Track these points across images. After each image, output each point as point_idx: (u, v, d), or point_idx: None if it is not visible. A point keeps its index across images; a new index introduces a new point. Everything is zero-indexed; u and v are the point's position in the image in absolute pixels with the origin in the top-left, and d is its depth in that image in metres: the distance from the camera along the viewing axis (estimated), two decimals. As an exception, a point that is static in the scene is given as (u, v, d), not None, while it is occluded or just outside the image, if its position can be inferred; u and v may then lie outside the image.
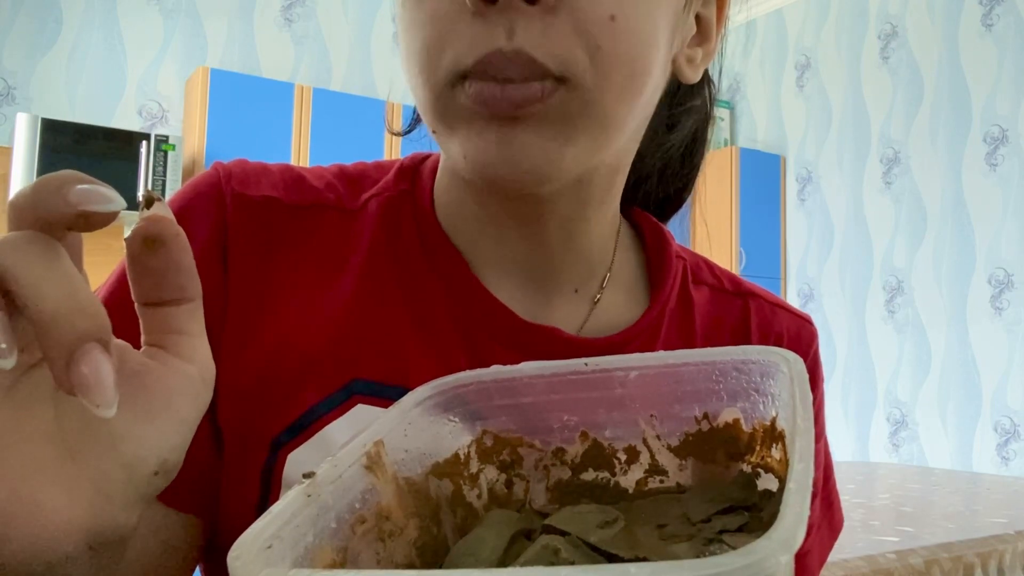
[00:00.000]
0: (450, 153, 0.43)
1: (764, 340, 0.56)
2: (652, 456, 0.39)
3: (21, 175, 3.08)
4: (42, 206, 0.26)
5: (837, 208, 4.25)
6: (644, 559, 0.30)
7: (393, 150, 3.71)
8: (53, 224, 0.26)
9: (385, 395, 0.46)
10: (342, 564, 0.30)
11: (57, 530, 0.26)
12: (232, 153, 3.31)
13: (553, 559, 0.30)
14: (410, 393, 0.39)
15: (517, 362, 0.40)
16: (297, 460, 0.45)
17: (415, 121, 0.57)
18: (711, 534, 0.32)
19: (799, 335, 0.58)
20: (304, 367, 0.46)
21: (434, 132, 0.44)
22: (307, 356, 0.47)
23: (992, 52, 3.68)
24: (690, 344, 0.54)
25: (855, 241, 4.16)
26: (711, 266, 0.60)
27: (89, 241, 0.32)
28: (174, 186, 3.32)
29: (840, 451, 4.11)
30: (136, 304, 0.30)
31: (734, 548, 0.30)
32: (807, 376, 0.33)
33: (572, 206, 0.49)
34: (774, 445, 0.34)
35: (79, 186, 0.26)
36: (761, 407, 0.36)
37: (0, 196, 3.24)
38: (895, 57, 4.05)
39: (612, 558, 0.31)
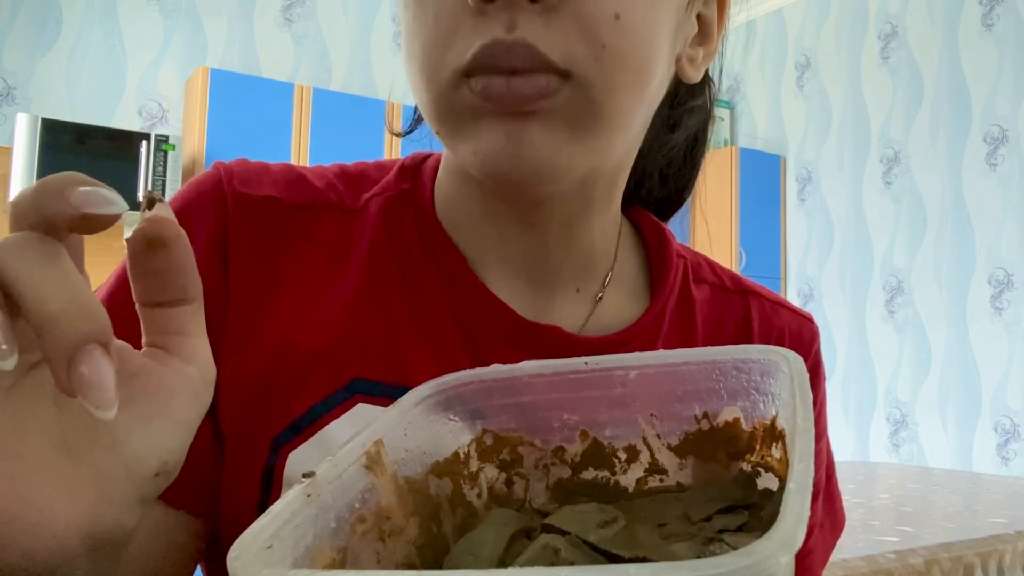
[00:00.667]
0: (458, 152, 0.43)
1: (765, 338, 0.56)
2: (652, 455, 0.39)
3: (21, 175, 3.08)
4: (44, 208, 0.26)
5: (837, 208, 4.25)
6: (644, 558, 0.30)
7: (393, 150, 3.71)
8: (55, 226, 0.26)
9: (386, 394, 0.46)
10: (342, 564, 0.30)
11: (58, 531, 0.26)
12: (232, 153, 3.31)
13: (553, 558, 0.30)
14: (410, 392, 0.39)
15: (518, 361, 0.40)
16: (298, 459, 0.45)
17: (415, 121, 0.57)
18: (711, 533, 0.32)
19: (800, 333, 0.58)
20: (305, 366, 0.46)
21: (438, 133, 0.44)
22: (308, 355, 0.47)
23: (992, 52, 3.68)
24: (691, 343, 0.54)
25: (855, 241, 4.16)
26: (712, 264, 0.60)
27: (90, 242, 0.32)
28: (174, 186, 3.32)
29: (840, 451, 4.11)
30: (137, 305, 0.30)
31: (734, 547, 0.30)
32: (807, 375, 0.33)
33: (575, 205, 0.49)
34: (774, 444, 0.34)
35: (81, 188, 0.26)
36: (761, 406, 0.36)
37: (0, 196, 3.24)
38: (895, 57, 4.05)
39: (612, 557, 0.31)
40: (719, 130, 4.71)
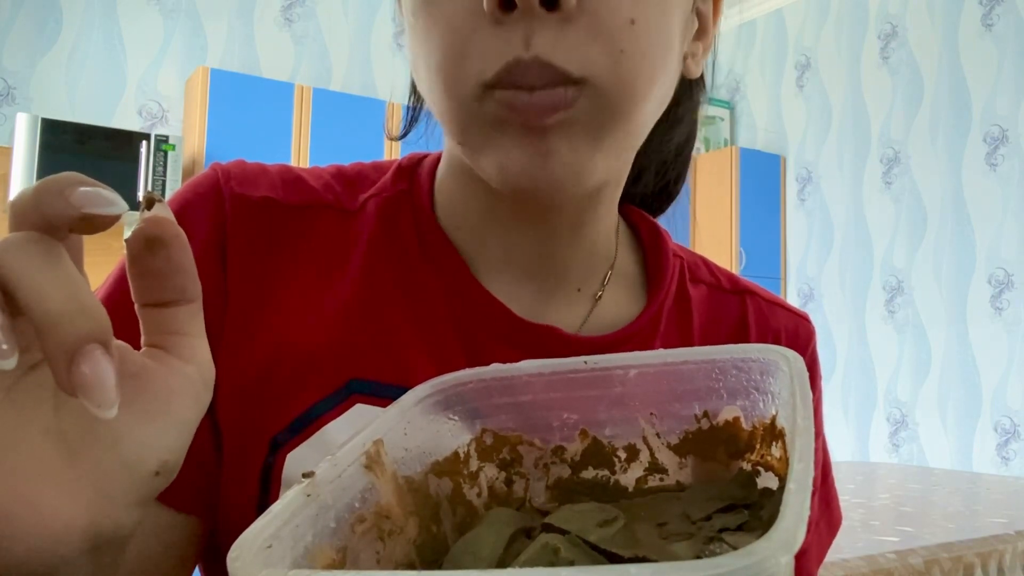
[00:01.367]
0: (481, 165, 0.44)
1: (762, 338, 0.57)
2: (652, 454, 0.39)
3: (21, 175, 3.08)
4: (44, 208, 0.26)
5: (837, 208, 4.25)
6: (644, 558, 0.30)
7: (393, 150, 3.71)
8: (55, 226, 0.26)
9: (384, 394, 0.46)
10: (341, 563, 0.30)
11: (58, 531, 0.26)
12: (232, 153, 3.31)
13: (553, 558, 0.30)
14: (410, 392, 0.39)
15: (516, 360, 0.40)
16: (296, 459, 0.45)
17: (410, 123, 0.57)
18: (711, 532, 0.32)
19: (797, 332, 0.58)
20: (303, 367, 0.46)
21: (461, 144, 0.44)
22: (306, 356, 0.47)
23: (992, 52, 3.68)
24: (688, 342, 0.54)
25: (855, 241, 4.16)
26: (709, 264, 0.60)
27: (89, 242, 0.31)
28: (174, 186, 3.32)
29: (840, 451, 4.11)
30: (136, 305, 0.30)
31: (734, 547, 0.30)
32: (807, 375, 0.33)
33: (583, 205, 0.49)
34: (774, 443, 0.34)
35: (82, 188, 0.26)
36: (761, 405, 0.36)
37: (0, 196, 3.24)
38: (895, 57, 4.05)
39: (612, 557, 0.31)
40: (719, 130, 4.72)
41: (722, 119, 4.74)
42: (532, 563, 0.30)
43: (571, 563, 0.30)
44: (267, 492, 0.46)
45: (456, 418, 0.39)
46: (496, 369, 0.40)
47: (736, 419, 0.37)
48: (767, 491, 0.34)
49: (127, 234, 0.30)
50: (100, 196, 0.26)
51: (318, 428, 0.46)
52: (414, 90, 0.56)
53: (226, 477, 0.47)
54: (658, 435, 0.38)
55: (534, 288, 0.52)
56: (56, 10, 3.44)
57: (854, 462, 2.58)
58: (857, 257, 4.14)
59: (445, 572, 0.28)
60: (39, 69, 3.40)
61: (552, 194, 0.43)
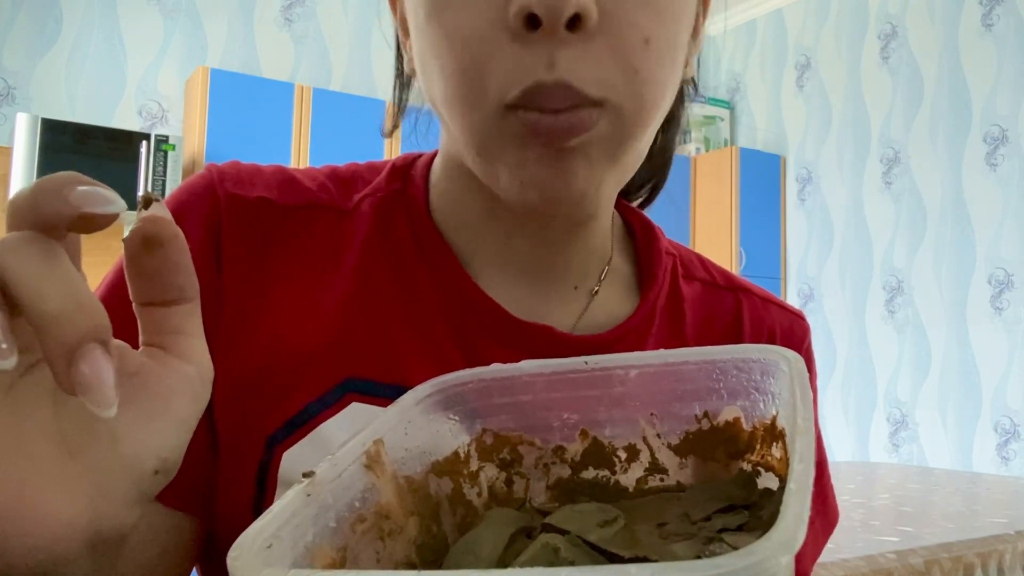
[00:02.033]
0: (498, 178, 0.44)
1: (756, 335, 0.57)
2: (652, 454, 0.39)
3: (21, 175, 3.08)
4: (42, 207, 0.26)
5: (837, 208, 4.25)
6: (644, 558, 0.30)
7: (393, 150, 3.71)
8: (53, 225, 0.26)
9: (380, 393, 0.47)
10: (342, 563, 0.30)
11: (58, 529, 0.26)
12: (232, 153, 3.31)
13: (553, 558, 0.30)
14: (410, 392, 0.39)
15: (510, 359, 0.40)
16: (293, 458, 0.46)
17: (395, 117, 0.57)
18: (711, 533, 0.32)
19: (792, 330, 0.59)
20: (299, 366, 0.47)
21: (478, 156, 0.45)
22: (302, 355, 0.47)
23: (992, 52, 3.67)
24: (681, 339, 0.54)
25: (855, 241, 4.16)
26: (704, 261, 0.60)
27: (87, 241, 0.31)
28: (174, 186, 3.31)
29: (840, 451, 4.11)
30: (134, 304, 0.30)
31: (734, 547, 0.30)
32: (807, 375, 0.33)
33: (589, 208, 0.49)
34: (775, 444, 0.34)
35: (80, 188, 0.26)
36: (761, 406, 0.36)
37: (0, 196, 3.24)
38: (895, 57, 4.05)
39: (612, 557, 0.31)
40: (719, 130, 4.71)
41: (722, 119, 4.74)
42: (532, 563, 0.30)
43: (571, 563, 0.30)
44: (263, 491, 0.46)
45: (456, 418, 0.39)
46: (496, 369, 0.40)
47: (736, 419, 0.37)
48: (767, 491, 0.34)
49: (126, 233, 0.30)
50: (98, 195, 0.26)
51: (314, 427, 0.46)
52: (399, 84, 0.56)
53: (222, 476, 0.47)
54: (658, 435, 0.38)
55: (530, 286, 0.52)
56: (56, 10, 3.44)
57: (854, 462, 2.58)
58: (857, 257, 4.14)
59: (445, 572, 0.28)
60: (39, 69, 3.40)
61: (568, 210, 0.44)
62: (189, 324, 0.30)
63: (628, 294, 0.55)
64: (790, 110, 4.52)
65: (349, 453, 0.33)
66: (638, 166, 0.48)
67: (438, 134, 0.54)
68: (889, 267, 4.00)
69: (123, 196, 0.27)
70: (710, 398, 0.37)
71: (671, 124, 0.58)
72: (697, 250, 0.63)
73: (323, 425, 0.46)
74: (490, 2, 0.40)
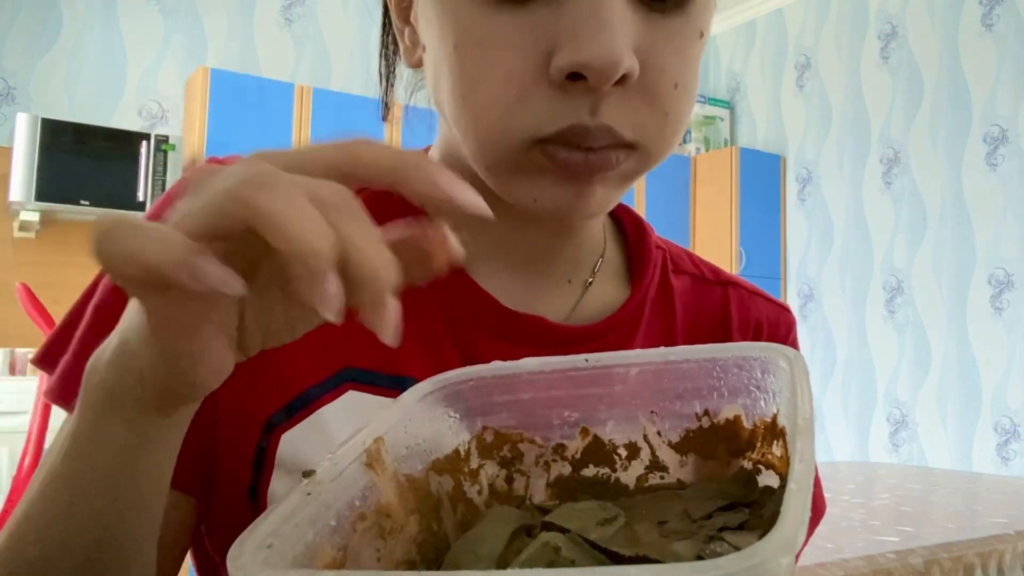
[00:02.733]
0: (511, 192, 0.46)
1: (743, 328, 0.58)
2: (653, 452, 0.39)
3: (21, 175, 3.08)
4: (414, 183, 0.30)
5: (837, 208, 4.25)
6: (644, 556, 0.30)
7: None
8: (372, 181, 0.30)
9: (375, 383, 0.48)
10: (342, 562, 0.30)
11: (211, 373, 0.32)
12: (232, 153, 3.31)
13: (553, 557, 0.30)
14: (410, 389, 0.39)
15: (503, 350, 0.40)
16: (291, 440, 0.47)
17: (385, 112, 0.58)
18: (712, 531, 0.32)
19: (777, 322, 0.60)
20: (298, 352, 0.48)
21: (488, 171, 0.46)
22: (301, 342, 0.48)
23: (992, 52, 3.67)
24: (671, 332, 0.56)
25: (855, 241, 4.16)
26: (692, 256, 0.62)
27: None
28: (174, 186, 3.31)
29: (840, 451, 4.11)
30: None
31: (735, 546, 0.30)
32: (808, 374, 0.33)
33: None
34: (775, 442, 0.34)
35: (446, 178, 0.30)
36: (762, 404, 0.36)
37: (0, 196, 3.24)
38: (895, 57, 4.05)
39: (612, 555, 0.31)
40: (719, 130, 4.71)
41: (722, 119, 4.74)
42: (533, 561, 0.30)
43: (572, 562, 0.30)
44: (260, 473, 0.47)
45: (457, 416, 0.39)
46: (497, 367, 0.40)
47: (737, 417, 0.37)
48: (768, 489, 0.34)
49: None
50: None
51: (313, 411, 0.47)
52: (385, 78, 0.57)
53: (221, 456, 0.48)
54: (659, 433, 0.38)
55: (527, 280, 0.53)
56: (56, 10, 3.44)
57: (854, 462, 2.58)
58: (857, 257, 4.14)
59: (445, 572, 0.28)
60: (39, 69, 3.40)
61: (578, 222, 0.47)
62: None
63: (620, 286, 0.57)
64: (790, 110, 4.52)
65: (349, 451, 0.33)
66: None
67: (439, 126, 0.54)
68: (889, 267, 4.00)
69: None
70: (711, 396, 0.37)
71: None
72: (697, 250, 0.64)
73: (322, 410, 0.47)
74: (530, 47, 0.41)
